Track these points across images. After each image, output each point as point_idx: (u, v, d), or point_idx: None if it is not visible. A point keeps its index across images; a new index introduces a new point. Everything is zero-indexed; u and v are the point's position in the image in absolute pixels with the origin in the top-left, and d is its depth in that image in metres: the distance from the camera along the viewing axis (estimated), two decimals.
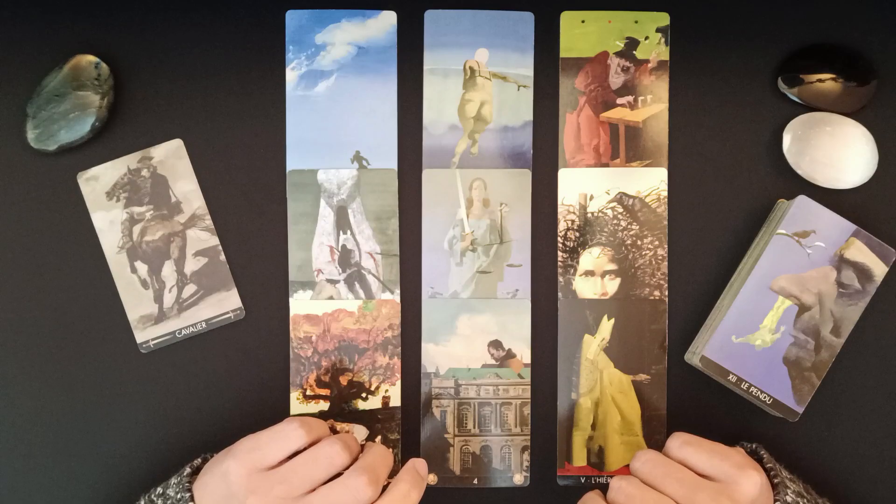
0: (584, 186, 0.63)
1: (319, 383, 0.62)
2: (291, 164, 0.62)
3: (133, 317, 0.62)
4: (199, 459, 0.57)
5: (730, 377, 0.59)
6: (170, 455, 0.61)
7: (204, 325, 0.62)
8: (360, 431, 0.62)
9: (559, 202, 0.63)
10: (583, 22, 0.63)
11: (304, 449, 0.54)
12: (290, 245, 0.62)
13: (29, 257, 0.62)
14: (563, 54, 0.63)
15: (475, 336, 0.62)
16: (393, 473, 0.56)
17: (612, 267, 0.63)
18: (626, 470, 0.62)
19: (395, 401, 0.62)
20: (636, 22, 0.63)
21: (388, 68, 0.62)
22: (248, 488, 0.52)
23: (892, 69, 0.63)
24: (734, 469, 0.54)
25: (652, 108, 0.63)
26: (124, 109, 0.62)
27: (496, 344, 0.62)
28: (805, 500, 0.55)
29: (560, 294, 0.63)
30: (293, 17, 0.62)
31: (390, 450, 0.60)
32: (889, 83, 0.63)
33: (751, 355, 0.59)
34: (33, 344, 0.61)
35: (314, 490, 0.53)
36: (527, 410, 0.62)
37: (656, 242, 0.63)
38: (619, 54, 0.63)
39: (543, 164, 0.63)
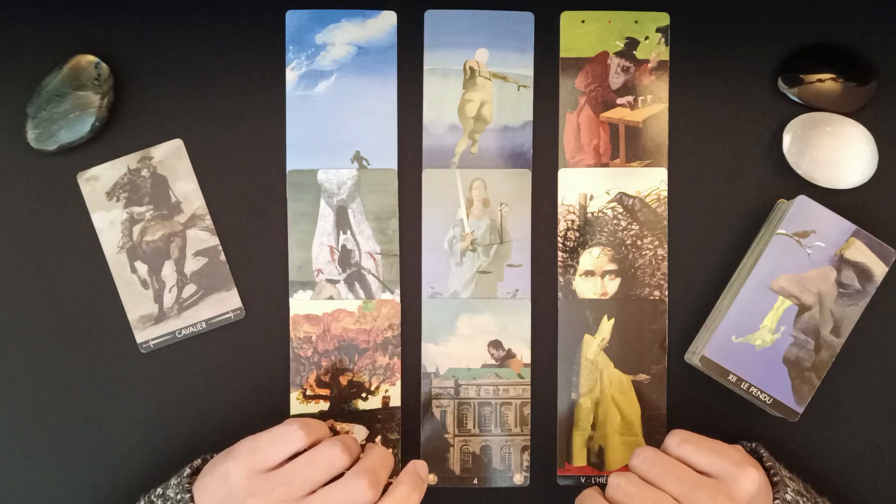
0: (584, 186, 0.63)
1: (319, 383, 0.62)
2: (291, 164, 0.62)
3: (133, 317, 0.62)
4: (199, 460, 0.57)
5: (730, 377, 0.59)
6: (170, 455, 0.61)
7: (204, 325, 0.62)
8: (360, 432, 0.62)
9: (559, 202, 0.63)
10: (583, 22, 0.63)
11: (305, 450, 0.54)
12: (290, 245, 0.62)
13: (29, 257, 0.61)
14: (563, 54, 0.63)
15: (475, 336, 0.62)
16: (394, 474, 0.56)
17: (612, 267, 0.63)
18: (626, 470, 0.62)
19: (395, 401, 0.62)
20: (636, 22, 0.63)
21: (388, 68, 0.62)
22: (249, 490, 0.52)
23: (892, 69, 0.63)
24: (733, 467, 0.54)
25: (652, 108, 0.63)
26: (124, 109, 0.62)
27: (496, 344, 0.62)
28: (805, 499, 0.55)
29: (560, 294, 0.63)
30: (293, 17, 0.62)
31: (390, 451, 0.60)
32: (889, 83, 0.63)
33: (751, 355, 0.59)
34: (33, 344, 0.61)
35: (314, 492, 0.53)
36: (527, 410, 0.62)
37: (656, 242, 0.63)
38: (619, 54, 0.63)
39: (543, 164, 0.63)
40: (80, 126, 0.60)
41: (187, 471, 0.56)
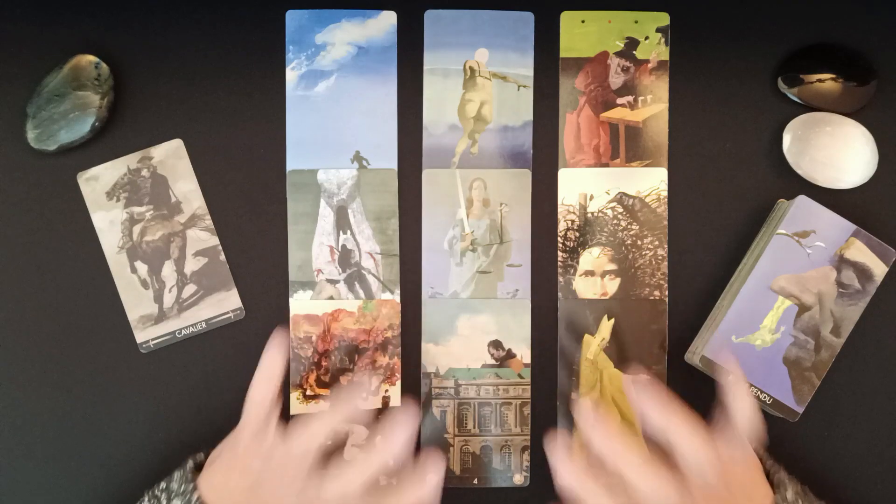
0: (584, 186, 0.63)
1: (319, 383, 0.62)
2: (291, 164, 0.62)
3: (133, 317, 0.62)
4: (202, 454, 0.57)
5: (730, 377, 0.59)
6: (170, 455, 0.61)
7: (204, 325, 0.62)
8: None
9: (559, 202, 0.63)
10: (583, 22, 0.63)
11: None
12: (290, 245, 0.62)
13: (29, 257, 0.62)
14: (563, 54, 0.63)
15: (475, 336, 0.62)
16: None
17: (612, 267, 0.63)
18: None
19: (395, 401, 0.62)
20: (636, 22, 0.63)
21: (388, 68, 0.62)
22: (265, 458, 0.53)
23: (892, 69, 0.63)
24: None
25: (652, 108, 0.63)
26: (124, 109, 0.62)
27: (496, 344, 0.62)
28: (803, 500, 0.55)
29: (560, 294, 0.63)
30: (293, 17, 0.62)
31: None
32: (889, 83, 0.63)
33: (751, 355, 0.59)
34: (33, 344, 0.61)
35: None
36: (527, 410, 0.62)
37: (656, 242, 0.63)
38: (619, 54, 0.63)
39: (543, 164, 0.63)
40: (80, 126, 0.60)
41: (190, 463, 0.56)
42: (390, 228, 0.62)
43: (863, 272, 0.59)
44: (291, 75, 0.62)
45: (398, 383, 0.62)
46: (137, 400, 0.62)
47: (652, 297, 0.62)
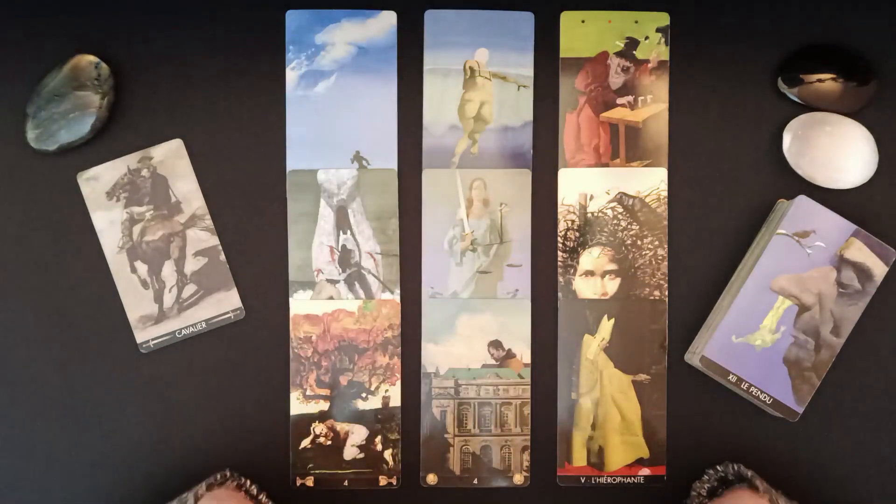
0: (584, 186, 0.63)
1: (319, 383, 0.62)
2: (291, 164, 0.62)
3: (133, 317, 0.62)
4: (219, 475, 0.57)
5: (730, 377, 0.59)
6: (170, 455, 0.61)
7: (204, 325, 0.62)
8: (359, 432, 0.62)
9: (559, 202, 0.63)
10: (583, 22, 0.63)
11: None
12: (290, 245, 0.62)
13: (29, 257, 0.61)
14: (563, 54, 0.63)
15: (475, 336, 0.62)
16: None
17: (612, 267, 0.63)
18: (626, 470, 0.62)
19: (395, 401, 0.62)
20: (636, 22, 0.63)
21: (388, 68, 0.62)
22: None
23: (892, 69, 0.63)
24: None
25: (652, 108, 0.63)
26: (124, 109, 0.62)
27: (496, 344, 0.62)
28: None
29: (560, 294, 0.63)
30: (293, 17, 0.62)
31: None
32: (889, 83, 0.63)
33: (751, 355, 0.59)
34: (33, 344, 0.61)
35: None
36: (527, 410, 0.62)
37: (656, 242, 0.63)
38: (619, 54, 0.63)
39: (543, 164, 0.63)
40: (80, 126, 0.60)
41: (203, 488, 0.56)
42: (390, 228, 0.62)
43: (863, 272, 0.59)
44: (291, 75, 0.62)
45: (398, 383, 0.62)
46: (137, 400, 0.62)
47: (652, 297, 0.62)
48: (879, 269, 0.59)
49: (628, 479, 0.62)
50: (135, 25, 0.62)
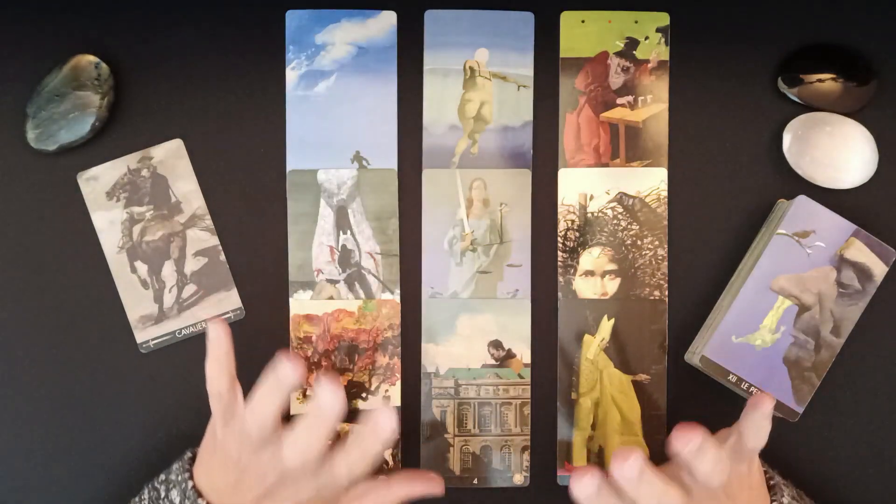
0: (584, 186, 0.63)
1: None
2: (291, 164, 0.62)
3: (133, 317, 0.62)
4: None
5: (730, 377, 0.59)
6: (170, 455, 0.61)
7: (204, 325, 0.62)
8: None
9: (559, 202, 0.63)
10: (583, 22, 0.63)
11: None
12: (290, 245, 0.62)
13: (29, 257, 0.61)
14: (563, 54, 0.63)
15: (475, 336, 0.62)
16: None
17: (612, 267, 0.63)
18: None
19: (395, 401, 0.62)
20: (636, 22, 0.63)
21: (388, 68, 0.62)
22: (251, 449, 0.53)
23: (892, 69, 0.63)
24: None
25: (652, 108, 0.63)
26: (124, 109, 0.62)
27: (496, 344, 0.62)
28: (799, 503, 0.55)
29: (560, 294, 0.63)
30: (293, 17, 0.62)
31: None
32: (889, 83, 0.63)
33: (751, 355, 0.59)
34: (33, 344, 0.61)
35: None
36: (527, 410, 0.62)
37: (656, 242, 0.63)
38: (619, 54, 0.63)
39: (543, 164, 0.63)
40: (80, 126, 0.60)
41: (188, 454, 0.57)
42: (390, 228, 0.62)
43: (863, 272, 0.59)
44: (291, 75, 0.62)
45: (398, 383, 0.62)
46: (137, 400, 0.62)
47: (652, 297, 0.62)
48: (879, 269, 0.59)
49: None
50: (135, 25, 0.62)
